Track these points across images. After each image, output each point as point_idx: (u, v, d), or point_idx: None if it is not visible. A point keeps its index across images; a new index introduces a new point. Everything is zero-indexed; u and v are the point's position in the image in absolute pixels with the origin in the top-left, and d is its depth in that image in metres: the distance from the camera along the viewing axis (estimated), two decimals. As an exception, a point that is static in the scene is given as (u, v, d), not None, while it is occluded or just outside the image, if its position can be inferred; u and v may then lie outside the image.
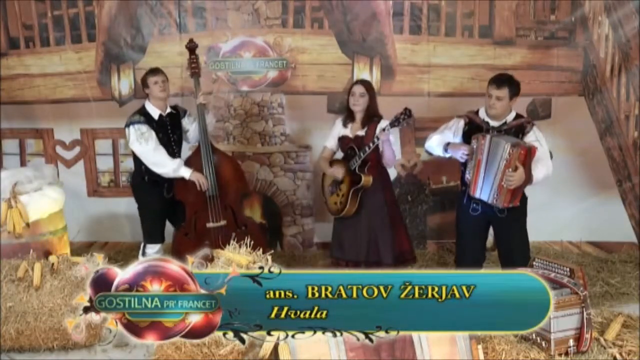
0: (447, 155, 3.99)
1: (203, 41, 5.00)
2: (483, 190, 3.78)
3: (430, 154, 4.20)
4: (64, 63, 5.38)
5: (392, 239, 4.26)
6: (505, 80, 3.80)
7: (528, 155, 3.62)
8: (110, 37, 5.29)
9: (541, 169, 3.74)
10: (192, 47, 4.48)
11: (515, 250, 3.82)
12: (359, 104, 4.24)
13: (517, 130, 3.81)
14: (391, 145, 4.22)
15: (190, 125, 4.51)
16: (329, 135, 4.45)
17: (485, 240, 4.06)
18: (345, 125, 4.34)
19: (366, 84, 4.33)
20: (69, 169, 5.56)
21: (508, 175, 3.61)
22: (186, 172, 4.29)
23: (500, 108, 3.80)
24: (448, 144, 3.94)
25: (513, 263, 3.48)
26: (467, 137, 3.89)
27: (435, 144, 4.04)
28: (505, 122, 3.84)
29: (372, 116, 4.27)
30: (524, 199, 3.89)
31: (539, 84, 5.09)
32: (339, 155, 4.45)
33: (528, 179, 3.67)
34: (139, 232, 4.56)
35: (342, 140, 4.35)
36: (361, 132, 4.26)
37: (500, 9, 5.11)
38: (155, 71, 4.33)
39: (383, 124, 4.22)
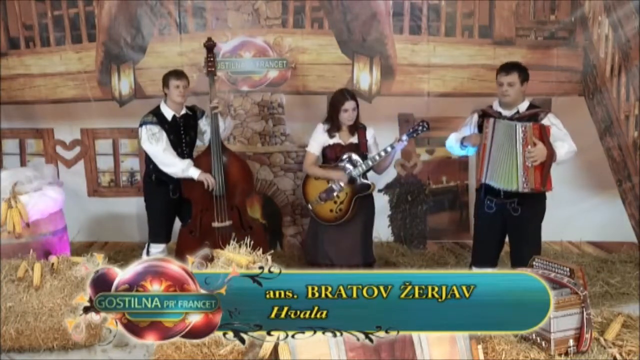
0: (466, 151, 4.03)
1: (203, 41, 5.00)
2: (489, 175, 3.81)
3: (454, 154, 4.22)
4: (64, 63, 5.39)
5: (371, 241, 4.37)
6: (513, 66, 3.88)
7: (542, 131, 3.67)
8: (111, 37, 5.29)
9: (563, 145, 3.77)
10: (210, 46, 4.50)
11: (525, 250, 3.80)
12: (352, 119, 4.20)
13: (530, 118, 3.81)
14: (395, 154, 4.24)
15: (207, 127, 4.50)
16: (312, 141, 4.34)
17: (502, 239, 4.04)
18: (331, 136, 4.27)
19: (354, 96, 4.25)
20: (69, 169, 5.56)
21: (529, 152, 3.64)
22: (195, 173, 4.29)
23: (513, 94, 3.82)
24: (463, 138, 3.97)
25: (522, 263, 3.48)
26: (482, 130, 3.91)
27: (453, 142, 4.07)
28: (518, 111, 3.86)
29: (357, 124, 4.25)
30: (542, 198, 3.88)
31: (539, 84, 5.08)
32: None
33: (551, 155, 3.69)
34: (139, 232, 4.57)
35: (333, 148, 4.26)
36: (354, 140, 4.25)
37: (500, 9, 5.10)
38: (179, 75, 4.32)
39: (370, 131, 4.26)
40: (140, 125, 4.31)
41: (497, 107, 3.94)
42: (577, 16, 5.07)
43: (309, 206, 4.31)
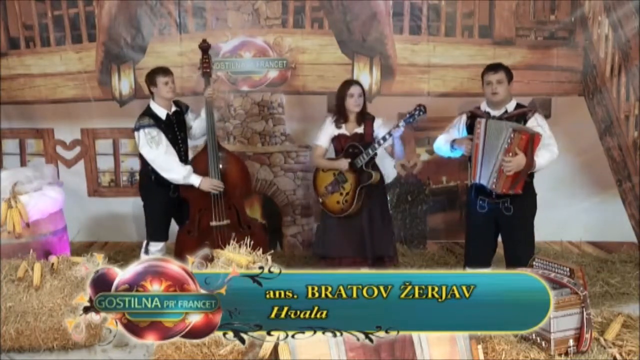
0: (454, 154, 4.04)
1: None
2: (482, 175, 3.83)
3: (441, 155, 4.23)
4: (64, 63, 5.39)
5: (390, 234, 4.35)
6: (499, 65, 3.95)
7: (530, 141, 3.66)
8: (111, 37, 5.29)
9: (544, 154, 3.78)
10: (205, 47, 4.49)
11: (519, 250, 3.82)
12: (359, 104, 4.24)
13: (519, 118, 3.85)
14: (401, 139, 4.23)
15: (193, 122, 4.51)
16: (320, 134, 4.40)
17: (495, 239, 4.06)
18: (338, 126, 4.32)
19: (361, 84, 4.35)
20: (69, 169, 5.56)
21: (506, 160, 3.65)
22: (196, 180, 4.27)
23: (502, 92, 3.86)
24: (454, 141, 3.97)
25: (516, 263, 3.48)
26: (471, 131, 3.93)
27: (442, 144, 4.10)
28: (506, 111, 3.89)
29: (364, 114, 4.28)
30: (532, 196, 3.90)
31: (539, 84, 5.09)
32: (330, 153, 4.44)
33: (529, 165, 3.69)
34: (139, 232, 4.56)
35: (339, 139, 4.32)
36: (359, 130, 4.27)
37: (500, 9, 5.11)
38: (166, 71, 4.31)
39: (378, 121, 4.25)
40: (137, 129, 4.23)
41: (485, 107, 3.97)
42: (577, 16, 5.07)
43: (320, 199, 4.38)
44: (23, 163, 5.55)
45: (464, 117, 4.04)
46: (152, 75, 4.31)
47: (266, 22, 5.21)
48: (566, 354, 2.92)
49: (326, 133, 4.37)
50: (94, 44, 5.33)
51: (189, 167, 4.31)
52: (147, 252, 4.39)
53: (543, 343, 2.92)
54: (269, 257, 3.26)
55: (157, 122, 4.26)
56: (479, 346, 2.95)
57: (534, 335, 2.95)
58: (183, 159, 4.39)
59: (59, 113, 5.46)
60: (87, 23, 5.33)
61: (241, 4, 5.20)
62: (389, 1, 5.13)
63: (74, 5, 5.33)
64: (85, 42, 5.36)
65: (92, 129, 5.49)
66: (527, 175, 3.77)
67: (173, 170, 4.25)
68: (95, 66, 5.35)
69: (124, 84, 5.34)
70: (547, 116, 5.11)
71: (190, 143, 4.69)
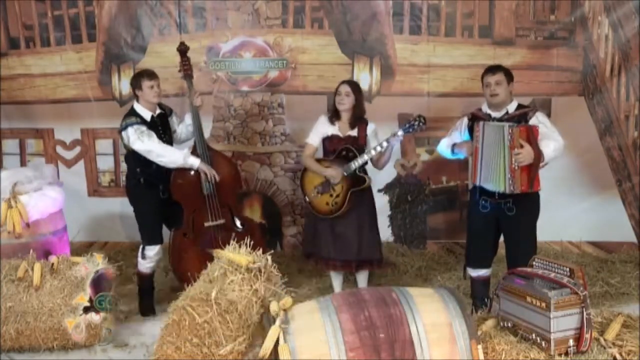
0: (456, 157, 4.05)
1: (203, 41, 5.02)
2: (482, 178, 3.82)
3: (444, 157, 4.24)
4: (64, 63, 5.39)
5: (377, 237, 4.33)
6: (498, 66, 3.95)
7: (530, 133, 3.65)
8: (111, 37, 5.30)
9: (549, 143, 3.76)
10: (183, 50, 4.49)
11: (520, 250, 3.80)
12: (343, 103, 4.21)
13: (520, 118, 3.84)
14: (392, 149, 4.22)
15: (177, 126, 4.50)
16: (312, 132, 4.37)
17: (496, 239, 4.05)
18: (332, 123, 4.29)
19: (352, 85, 4.30)
20: (69, 169, 5.57)
21: (515, 154, 3.63)
22: (195, 161, 4.25)
23: (502, 93, 3.85)
24: (454, 145, 3.98)
25: (517, 263, 3.48)
26: (472, 133, 3.93)
27: (445, 147, 4.11)
28: (507, 112, 3.89)
29: (358, 117, 4.25)
30: (535, 196, 3.89)
31: (539, 84, 5.09)
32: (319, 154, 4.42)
33: (539, 157, 3.68)
34: (140, 232, 4.55)
35: (331, 139, 4.29)
36: (353, 133, 4.25)
37: (500, 9, 5.11)
38: (151, 75, 4.26)
39: (370, 127, 4.25)
40: (125, 128, 4.18)
41: (486, 109, 3.97)
42: (577, 16, 5.07)
43: (307, 198, 4.32)
44: (23, 163, 5.56)
45: (465, 120, 4.04)
46: (138, 78, 4.28)
47: (266, 22, 5.22)
48: (566, 354, 2.91)
49: (318, 132, 4.34)
50: (94, 44, 5.33)
51: (186, 149, 4.31)
52: (144, 256, 4.35)
53: (543, 343, 2.92)
54: (269, 257, 3.26)
55: (142, 122, 4.22)
56: (479, 346, 2.94)
57: (534, 335, 2.95)
58: None
59: (59, 113, 5.47)
60: (87, 23, 5.34)
61: (241, 4, 5.21)
62: (389, 1, 5.13)
63: (74, 5, 5.34)
64: (85, 42, 5.36)
65: (92, 129, 5.50)
66: (538, 170, 3.75)
67: (172, 154, 4.22)
68: (95, 66, 5.35)
69: (124, 84, 5.34)
70: (547, 116, 5.12)
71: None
